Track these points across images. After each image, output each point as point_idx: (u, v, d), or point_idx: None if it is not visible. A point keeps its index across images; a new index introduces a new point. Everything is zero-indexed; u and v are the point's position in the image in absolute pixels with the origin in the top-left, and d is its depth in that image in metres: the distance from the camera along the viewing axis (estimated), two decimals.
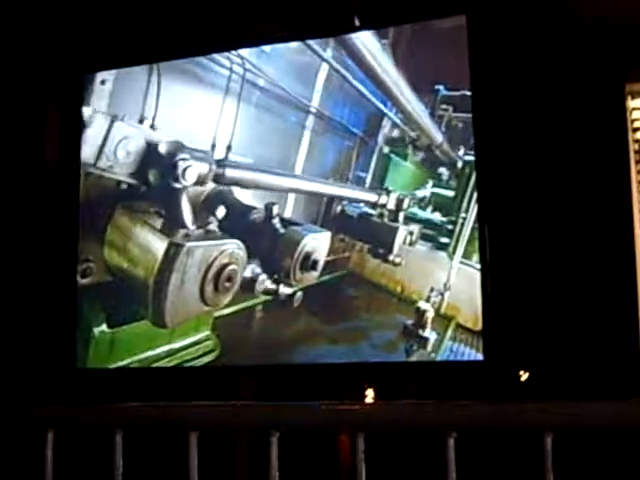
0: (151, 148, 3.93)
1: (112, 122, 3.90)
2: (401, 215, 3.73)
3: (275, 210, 3.84)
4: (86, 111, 3.94)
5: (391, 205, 3.74)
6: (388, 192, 3.76)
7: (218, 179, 3.89)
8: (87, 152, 3.96)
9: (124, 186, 4.03)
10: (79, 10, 4.30)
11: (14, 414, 2.05)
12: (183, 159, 3.85)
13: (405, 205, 3.72)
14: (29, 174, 4.41)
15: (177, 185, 3.84)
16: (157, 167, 3.91)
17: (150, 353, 4.03)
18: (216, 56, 4.04)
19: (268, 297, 3.88)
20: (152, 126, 3.99)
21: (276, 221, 3.84)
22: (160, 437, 2.82)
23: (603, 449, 3.14)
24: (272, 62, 4.00)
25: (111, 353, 4.08)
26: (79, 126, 4.15)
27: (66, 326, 4.14)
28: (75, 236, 4.16)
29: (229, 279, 3.88)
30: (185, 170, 3.82)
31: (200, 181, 3.86)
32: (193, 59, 4.09)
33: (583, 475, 3.22)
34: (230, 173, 3.89)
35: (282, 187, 3.91)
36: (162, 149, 3.88)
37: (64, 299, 4.15)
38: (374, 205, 3.78)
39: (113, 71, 4.17)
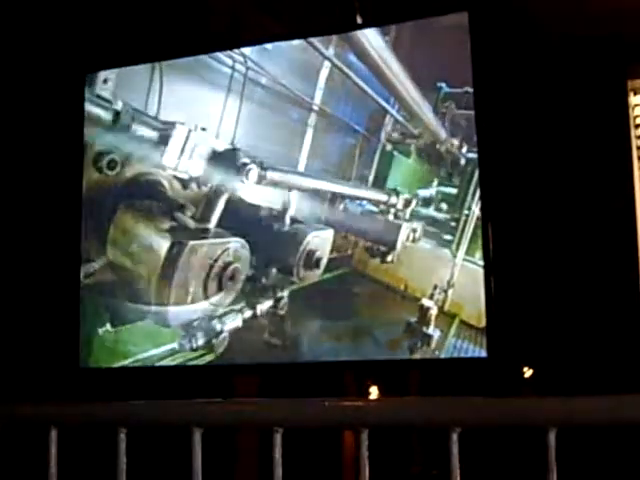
0: (215, 153, 4.00)
1: (189, 132, 4.00)
2: (407, 212, 3.72)
3: (289, 208, 3.86)
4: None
5: (400, 205, 3.74)
6: (397, 193, 3.75)
7: (260, 180, 3.91)
8: (170, 158, 4.04)
9: (129, 185, 4.07)
10: (80, 9, 4.30)
11: (17, 411, 2.05)
12: (245, 163, 3.89)
13: (414, 203, 3.72)
14: (31, 174, 4.42)
15: (241, 185, 3.91)
16: (222, 169, 3.99)
17: (153, 352, 4.03)
18: (218, 54, 4.05)
19: (270, 295, 3.88)
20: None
21: (287, 218, 3.85)
22: (164, 434, 2.82)
23: (606, 444, 3.14)
24: (274, 60, 4.00)
25: (114, 352, 4.08)
26: (81, 125, 4.17)
27: (69, 325, 4.14)
28: (78, 235, 4.16)
29: (232, 277, 3.88)
30: (249, 172, 3.88)
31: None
32: (195, 58, 4.09)
33: (587, 470, 3.22)
34: (270, 175, 3.91)
35: (317, 189, 3.91)
36: (225, 155, 3.98)
37: (67, 298, 4.16)
38: (382, 203, 3.77)
39: (115, 70, 4.18)
